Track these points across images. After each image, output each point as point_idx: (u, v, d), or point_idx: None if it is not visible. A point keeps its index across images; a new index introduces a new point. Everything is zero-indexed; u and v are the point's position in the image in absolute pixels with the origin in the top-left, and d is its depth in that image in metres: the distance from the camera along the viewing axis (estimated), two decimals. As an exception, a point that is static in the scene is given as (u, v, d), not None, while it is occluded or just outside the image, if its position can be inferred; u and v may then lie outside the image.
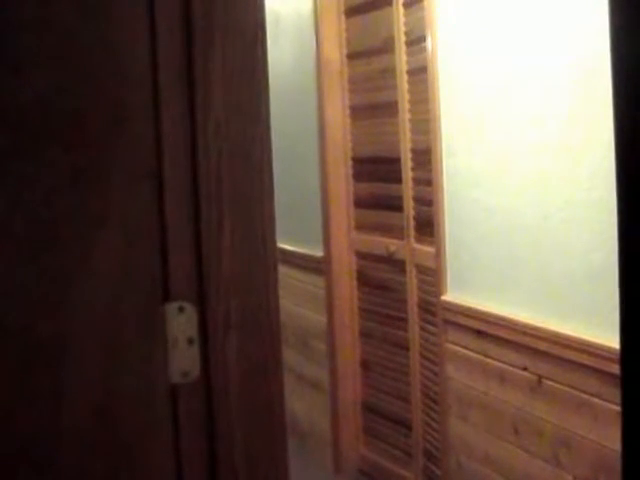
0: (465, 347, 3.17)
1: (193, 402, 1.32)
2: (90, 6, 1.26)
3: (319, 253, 4.30)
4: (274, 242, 1.37)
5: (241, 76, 1.33)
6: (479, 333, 3.08)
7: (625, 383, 1.59)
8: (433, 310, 3.44)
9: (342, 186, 4.18)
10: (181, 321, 1.30)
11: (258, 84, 1.35)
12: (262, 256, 1.37)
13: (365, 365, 4.18)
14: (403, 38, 3.60)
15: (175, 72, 1.29)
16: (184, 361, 1.30)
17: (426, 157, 3.40)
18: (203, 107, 1.30)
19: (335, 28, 4.12)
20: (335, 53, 4.13)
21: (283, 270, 4.57)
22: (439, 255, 3.32)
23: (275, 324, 1.37)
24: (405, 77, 3.60)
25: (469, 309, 3.15)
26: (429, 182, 3.38)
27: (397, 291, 3.83)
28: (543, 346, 2.74)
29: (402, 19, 3.59)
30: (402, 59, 3.61)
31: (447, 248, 3.28)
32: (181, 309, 1.30)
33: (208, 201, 1.31)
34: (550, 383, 2.73)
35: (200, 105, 1.30)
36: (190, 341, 1.30)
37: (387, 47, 3.74)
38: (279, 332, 1.37)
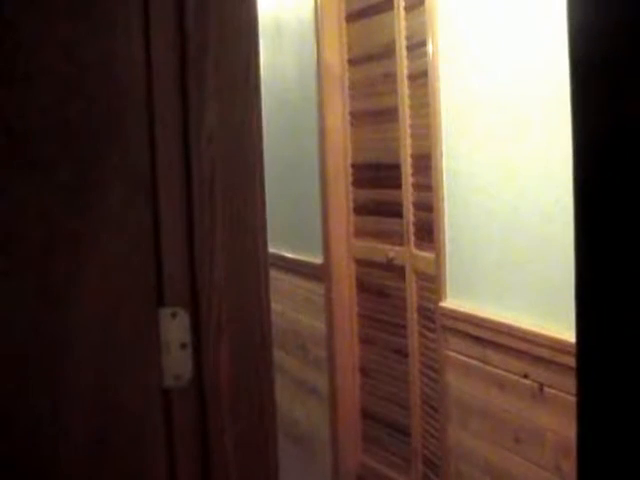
0: (465, 354, 3.15)
1: (185, 405, 1.34)
2: (89, 25, 1.29)
3: (319, 260, 4.29)
4: (266, 249, 1.40)
5: (234, 88, 1.37)
6: (479, 340, 3.06)
7: (580, 375, 1.64)
8: (433, 317, 3.43)
9: (342, 192, 4.17)
10: (174, 326, 1.33)
11: (251, 95, 1.38)
12: (254, 263, 1.39)
13: (364, 371, 4.17)
14: (404, 43, 3.58)
15: (169, 85, 1.32)
16: (177, 365, 1.33)
17: (426, 162, 3.39)
18: (197, 118, 1.33)
19: (336, 33, 4.11)
20: (336, 58, 4.12)
21: (283, 277, 4.57)
22: (439, 261, 3.30)
23: (266, 329, 1.40)
24: (406, 82, 3.59)
25: (469, 315, 3.13)
26: (429, 188, 3.36)
27: (396, 297, 3.82)
28: (545, 353, 2.72)
29: (403, 23, 3.58)
30: (403, 64, 3.60)
31: (447, 254, 3.27)
32: (174, 314, 1.33)
33: (201, 211, 1.34)
34: (551, 391, 2.71)
35: (194, 116, 1.33)
36: (183, 346, 1.33)
37: (388, 52, 3.73)
38: (270, 336, 1.40)
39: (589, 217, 1.56)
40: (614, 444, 1.54)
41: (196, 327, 1.33)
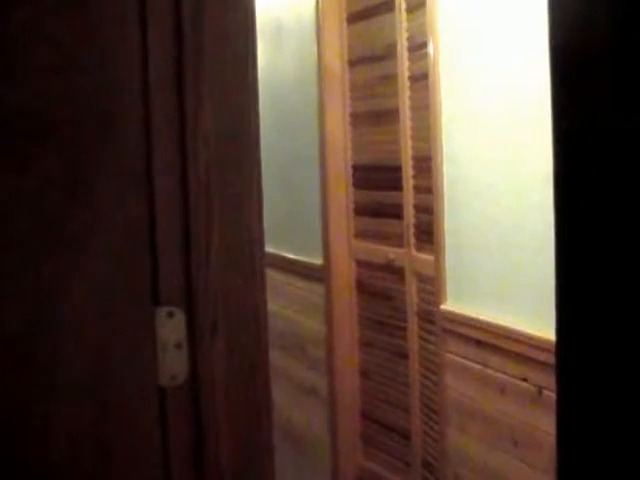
0: (465, 357, 3.15)
1: (180, 405, 1.34)
2: (83, 22, 1.28)
3: (319, 261, 4.28)
4: (262, 249, 1.40)
5: (231, 90, 1.37)
6: (479, 343, 3.06)
7: (560, 373, 1.64)
8: (432, 319, 3.42)
9: (342, 194, 4.16)
10: (170, 326, 1.33)
11: (248, 97, 1.38)
12: (250, 263, 1.39)
13: (364, 374, 4.16)
14: (405, 44, 3.58)
15: (165, 86, 1.32)
16: (172, 365, 1.33)
17: (427, 164, 3.38)
18: (193, 119, 1.33)
19: (337, 34, 4.11)
20: (336, 60, 4.11)
21: (283, 278, 4.56)
22: (439, 263, 3.29)
23: (262, 329, 1.40)
24: (407, 84, 3.58)
25: (469, 318, 3.12)
26: (430, 190, 3.36)
27: (396, 300, 3.81)
28: (544, 357, 2.71)
29: (404, 25, 3.57)
30: (404, 65, 3.59)
31: (447, 256, 3.26)
32: (170, 314, 1.33)
33: (197, 211, 1.34)
34: (551, 394, 2.70)
35: (190, 118, 1.33)
36: (178, 345, 1.33)
37: (389, 53, 3.72)
38: (266, 337, 1.40)
39: (567, 212, 1.56)
40: (592, 439, 1.54)
41: (192, 326, 1.33)
